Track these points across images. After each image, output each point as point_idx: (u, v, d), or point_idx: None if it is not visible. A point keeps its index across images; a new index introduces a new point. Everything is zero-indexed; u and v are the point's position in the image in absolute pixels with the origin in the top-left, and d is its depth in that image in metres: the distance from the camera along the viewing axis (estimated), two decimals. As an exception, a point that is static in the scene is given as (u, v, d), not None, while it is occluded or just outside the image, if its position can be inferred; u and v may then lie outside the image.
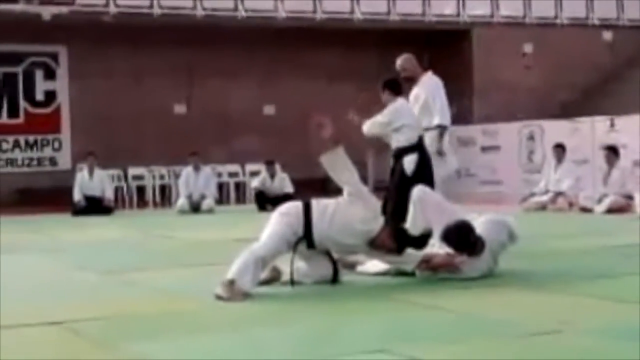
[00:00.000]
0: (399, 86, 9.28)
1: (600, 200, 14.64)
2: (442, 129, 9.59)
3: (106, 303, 6.55)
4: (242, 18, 20.95)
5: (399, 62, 9.90)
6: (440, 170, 9.41)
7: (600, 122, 17.61)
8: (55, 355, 4.85)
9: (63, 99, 21.14)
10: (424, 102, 9.58)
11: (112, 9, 20.02)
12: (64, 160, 20.97)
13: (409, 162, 8.94)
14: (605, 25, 24.01)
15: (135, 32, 20.47)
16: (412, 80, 9.76)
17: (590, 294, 6.36)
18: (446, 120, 9.64)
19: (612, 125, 17.34)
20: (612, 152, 14.97)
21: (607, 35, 23.92)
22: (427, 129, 9.47)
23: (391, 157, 9.25)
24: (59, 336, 5.33)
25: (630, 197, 14.42)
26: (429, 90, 9.64)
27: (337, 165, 6.86)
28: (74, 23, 19.73)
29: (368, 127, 9.13)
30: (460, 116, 22.48)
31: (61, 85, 21.14)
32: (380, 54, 19.79)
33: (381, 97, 9.23)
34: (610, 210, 14.21)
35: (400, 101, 9.10)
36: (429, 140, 9.43)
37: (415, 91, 9.73)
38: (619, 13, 24.23)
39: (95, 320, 5.80)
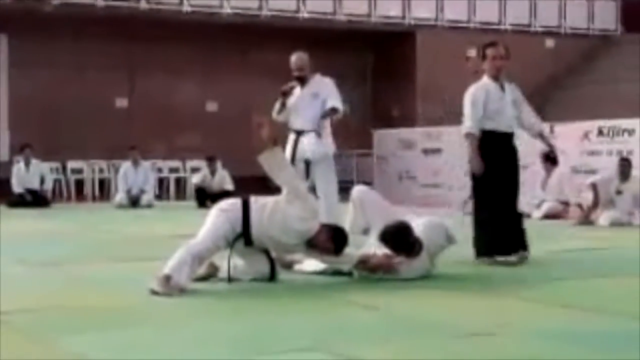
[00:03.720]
0: None
1: (539, 206, 14.79)
2: (336, 111, 9.52)
3: (39, 295, 6.47)
4: (187, 12, 20.83)
5: (295, 59, 9.54)
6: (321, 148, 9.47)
7: (540, 129, 17.76)
8: (-16, 348, 4.76)
9: (2, 88, 20.82)
10: (323, 101, 9.51)
11: (55, -1, 19.79)
12: (2, 151, 20.65)
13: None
14: (548, 32, 24.29)
15: (77, 23, 20.24)
16: (303, 81, 9.53)
17: (526, 297, 6.42)
18: (340, 106, 9.55)
19: (551, 131, 17.51)
20: (549, 161, 15.03)
21: (550, 42, 24.20)
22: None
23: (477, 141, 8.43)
24: (-11, 328, 5.24)
25: (567, 204, 14.58)
26: (328, 88, 9.57)
27: (275, 165, 6.85)
28: (15, 11, 19.44)
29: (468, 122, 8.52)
30: (403, 119, 22.66)
31: (0, 74, 20.81)
32: (325, 54, 19.75)
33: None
34: (547, 216, 14.36)
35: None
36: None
37: (309, 91, 9.46)
38: (562, 21, 24.54)
39: (27, 313, 5.73)
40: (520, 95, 8.65)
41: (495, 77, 8.48)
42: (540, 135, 8.87)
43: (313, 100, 9.49)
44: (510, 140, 8.49)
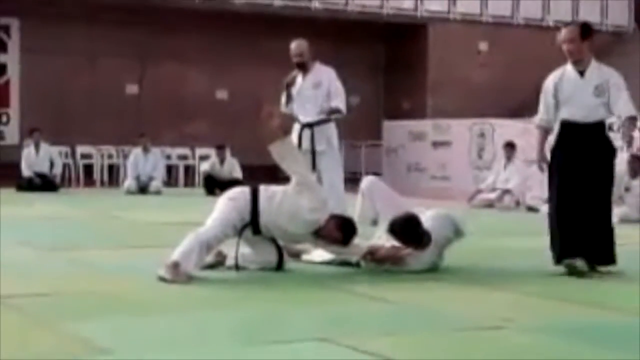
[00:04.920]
0: None
1: (547, 200, 14.74)
2: (338, 112, 9.53)
3: (48, 280, 6.48)
4: (200, 1, 20.81)
5: (296, 46, 9.59)
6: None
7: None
8: (-8, 331, 4.78)
9: (13, 72, 20.86)
10: (327, 89, 9.51)
11: (68, -16, 19.79)
12: (12, 135, 20.70)
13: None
14: (560, 27, 24.13)
15: (90, 9, 20.25)
16: (303, 68, 9.53)
17: (533, 292, 6.41)
18: (344, 106, 9.54)
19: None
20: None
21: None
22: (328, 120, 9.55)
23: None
24: (-3, 311, 5.26)
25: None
26: (330, 77, 9.57)
27: (286, 154, 6.85)
28: (28, -4, 19.50)
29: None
30: (414, 111, 22.64)
31: (12, 58, 20.85)
32: (336, 45, 19.79)
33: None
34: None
35: None
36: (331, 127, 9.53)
37: (310, 80, 9.49)
38: (574, 16, 24.45)
39: (34, 297, 5.74)
40: (613, 80, 7.37)
41: (574, 62, 7.39)
42: (625, 125, 7.52)
43: (316, 90, 9.50)
44: (587, 132, 7.32)
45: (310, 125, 9.47)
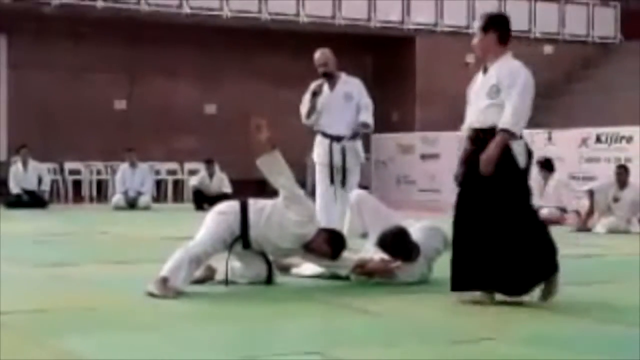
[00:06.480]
0: None
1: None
2: (367, 127, 9.39)
3: (35, 297, 6.47)
4: (187, 15, 20.83)
5: (320, 55, 9.37)
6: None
7: (538, 135, 17.81)
8: (-20, 348, 4.76)
9: (1, 89, 20.80)
10: (358, 103, 9.39)
11: (55, 0, 19.76)
12: (0, 152, 20.63)
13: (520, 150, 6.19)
14: (547, 39, 24.30)
15: (77, 25, 20.24)
16: (330, 77, 9.36)
17: (520, 303, 6.39)
18: (372, 121, 9.40)
19: (549, 138, 17.55)
20: (546, 167, 14.95)
21: (548, 49, 24.21)
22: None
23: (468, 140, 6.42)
24: (-15, 329, 5.24)
25: (564, 210, 14.60)
26: (360, 90, 9.49)
27: (274, 168, 6.84)
28: (14, 12, 19.44)
29: None
30: (402, 123, 22.67)
31: (-1, 74, 20.82)
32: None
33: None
34: (545, 222, 14.32)
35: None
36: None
37: (340, 91, 9.34)
38: (560, 27, 24.56)
39: (24, 314, 5.72)
40: (511, 79, 6.28)
41: (484, 60, 6.43)
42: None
43: (346, 103, 9.26)
44: (482, 139, 6.17)
45: (339, 140, 9.32)
